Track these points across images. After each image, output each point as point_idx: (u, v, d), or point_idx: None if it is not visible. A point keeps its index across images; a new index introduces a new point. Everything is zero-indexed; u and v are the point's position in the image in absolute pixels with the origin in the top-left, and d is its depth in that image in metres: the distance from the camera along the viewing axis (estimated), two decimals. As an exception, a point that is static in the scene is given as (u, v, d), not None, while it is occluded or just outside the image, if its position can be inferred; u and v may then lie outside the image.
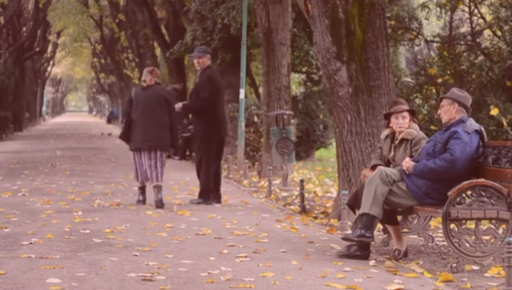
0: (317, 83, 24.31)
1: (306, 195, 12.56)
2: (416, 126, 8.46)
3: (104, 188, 14.33)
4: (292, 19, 17.47)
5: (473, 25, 13.04)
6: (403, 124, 8.37)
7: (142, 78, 12.08)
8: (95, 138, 36.85)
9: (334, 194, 13.30)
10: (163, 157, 11.93)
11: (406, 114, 8.41)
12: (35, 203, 11.87)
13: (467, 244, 7.27)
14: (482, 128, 7.81)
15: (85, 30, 45.57)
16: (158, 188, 11.72)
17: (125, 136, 11.97)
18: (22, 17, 42.60)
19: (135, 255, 7.66)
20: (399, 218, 8.37)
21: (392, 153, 8.44)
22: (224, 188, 14.99)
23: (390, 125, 8.50)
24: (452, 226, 7.28)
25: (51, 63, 65.65)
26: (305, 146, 23.18)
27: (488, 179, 7.48)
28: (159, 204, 11.63)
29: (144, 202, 12.01)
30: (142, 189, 12.08)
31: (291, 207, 12.27)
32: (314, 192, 14.31)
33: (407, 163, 7.86)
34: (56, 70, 75.88)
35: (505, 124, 11.82)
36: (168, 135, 11.84)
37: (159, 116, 11.74)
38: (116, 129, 42.21)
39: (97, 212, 10.88)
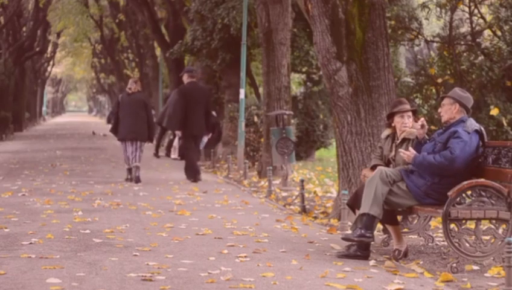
0: (317, 83, 24.30)
1: (306, 195, 12.56)
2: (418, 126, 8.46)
3: (104, 188, 14.33)
4: (292, 19, 17.46)
5: (473, 25, 13.03)
6: (408, 123, 8.37)
7: (128, 86, 15.76)
8: (95, 138, 36.86)
9: (334, 194, 13.30)
10: (142, 145, 15.63)
11: (410, 113, 8.43)
12: (35, 203, 11.87)
13: (467, 244, 7.27)
14: (482, 128, 7.82)
15: (85, 30, 45.52)
16: (136, 168, 15.46)
17: (115, 130, 15.71)
18: (22, 17, 42.59)
19: (135, 255, 7.66)
20: (399, 218, 8.37)
21: (392, 153, 8.44)
22: (225, 188, 15.03)
23: (393, 125, 8.49)
24: (452, 226, 7.28)
25: (51, 63, 65.65)
26: (305, 146, 23.18)
27: (488, 179, 7.48)
28: (137, 179, 15.32)
29: (131, 180, 15.51)
30: (129, 170, 15.65)
31: (291, 207, 12.27)
32: (314, 192, 14.30)
33: (410, 151, 7.85)
34: (56, 70, 75.92)
35: (505, 124, 11.82)
36: (146, 130, 15.54)
37: (139, 116, 15.41)
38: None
39: (97, 212, 10.88)
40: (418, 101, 13.19)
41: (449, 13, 12.85)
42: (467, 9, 13.01)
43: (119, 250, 7.93)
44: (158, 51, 37.89)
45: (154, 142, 16.78)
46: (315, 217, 11.13)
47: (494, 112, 11.76)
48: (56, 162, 20.85)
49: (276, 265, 7.27)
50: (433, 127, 11.97)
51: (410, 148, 7.97)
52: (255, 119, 19.75)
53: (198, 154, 16.54)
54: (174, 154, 16.45)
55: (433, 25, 22.27)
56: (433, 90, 13.00)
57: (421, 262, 7.84)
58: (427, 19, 13.56)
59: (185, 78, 16.16)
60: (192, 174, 16.00)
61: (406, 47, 16.39)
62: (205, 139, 16.68)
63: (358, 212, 7.94)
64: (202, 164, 21.41)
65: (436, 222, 9.58)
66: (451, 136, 7.68)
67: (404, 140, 8.37)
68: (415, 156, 7.80)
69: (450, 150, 7.59)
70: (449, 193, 7.29)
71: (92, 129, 44.37)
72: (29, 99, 54.03)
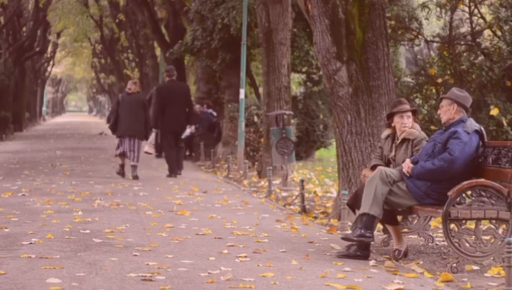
0: (317, 83, 24.30)
1: (306, 195, 12.56)
2: (418, 126, 8.47)
3: (104, 188, 14.33)
4: (292, 19, 17.46)
5: (473, 25, 13.04)
6: (407, 123, 8.37)
7: (128, 87, 16.78)
8: (95, 138, 36.86)
9: (334, 194, 13.30)
10: (139, 143, 16.54)
11: (409, 114, 8.43)
12: (35, 203, 11.86)
13: (467, 244, 7.27)
14: (482, 129, 7.82)
15: (85, 30, 45.52)
16: (134, 167, 16.37)
17: (114, 127, 16.61)
18: (22, 17, 42.57)
19: (135, 255, 7.66)
20: (399, 218, 8.37)
21: (393, 153, 8.44)
22: (225, 188, 15.03)
23: (392, 125, 8.49)
24: (452, 226, 7.28)
25: (51, 63, 65.63)
26: (305, 146, 23.18)
27: (488, 179, 7.48)
28: (135, 177, 16.16)
29: (123, 175, 16.46)
30: (122, 166, 16.57)
31: (291, 207, 12.27)
32: (314, 192, 14.30)
33: (407, 166, 7.86)
34: (56, 70, 75.89)
35: (505, 124, 11.82)
36: (143, 128, 16.51)
37: (138, 115, 16.37)
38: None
39: (97, 212, 10.88)
40: (418, 101, 13.20)
41: (449, 13, 12.85)
42: (467, 9, 13.01)
43: (119, 250, 7.93)
44: (158, 51, 37.90)
45: (153, 141, 16.82)
46: (315, 217, 11.13)
47: (494, 112, 11.76)
48: (56, 162, 20.85)
49: (276, 265, 7.27)
50: (433, 127, 11.98)
51: (407, 160, 7.95)
52: (255, 119, 19.75)
53: (180, 149, 17.34)
54: (150, 149, 16.85)
55: (433, 25, 22.28)
56: (433, 90, 13.00)
57: (421, 262, 7.84)
58: (427, 19, 13.56)
59: (166, 77, 17.42)
60: (172, 170, 16.95)
61: (406, 47, 16.40)
62: (187, 130, 17.74)
63: (358, 212, 7.94)
64: (202, 163, 21.45)
65: (436, 222, 9.57)
66: (451, 136, 7.68)
67: (404, 140, 8.37)
68: (413, 169, 7.79)
69: (449, 152, 7.59)
70: (449, 193, 7.30)
71: (92, 129, 44.25)
72: (29, 99, 54.01)
